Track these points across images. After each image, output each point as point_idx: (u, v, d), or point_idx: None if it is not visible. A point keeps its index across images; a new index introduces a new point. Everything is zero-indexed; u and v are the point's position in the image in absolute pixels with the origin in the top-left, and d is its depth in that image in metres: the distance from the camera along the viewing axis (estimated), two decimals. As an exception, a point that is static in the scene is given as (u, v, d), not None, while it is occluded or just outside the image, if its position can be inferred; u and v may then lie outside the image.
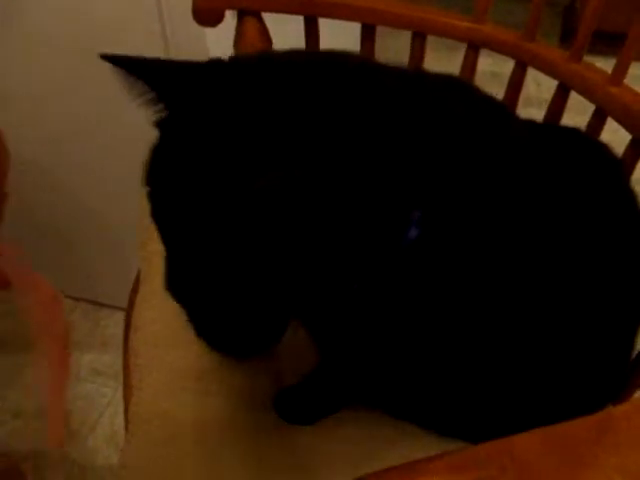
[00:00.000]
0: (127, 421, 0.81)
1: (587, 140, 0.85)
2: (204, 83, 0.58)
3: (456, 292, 0.61)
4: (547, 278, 0.64)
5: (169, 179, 0.55)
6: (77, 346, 1.69)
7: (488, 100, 0.72)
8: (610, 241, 0.70)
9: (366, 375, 0.73)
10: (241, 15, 0.97)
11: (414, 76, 0.67)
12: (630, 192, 0.76)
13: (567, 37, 2.54)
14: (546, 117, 0.96)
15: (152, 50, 1.21)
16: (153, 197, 0.57)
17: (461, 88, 0.72)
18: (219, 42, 1.10)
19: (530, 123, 0.84)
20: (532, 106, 2.05)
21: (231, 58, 0.62)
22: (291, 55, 0.62)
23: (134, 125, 1.31)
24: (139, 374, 0.84)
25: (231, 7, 0.97)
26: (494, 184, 0.62)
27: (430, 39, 0.99)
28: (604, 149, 0.81)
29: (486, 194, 0.61)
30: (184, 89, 0.57)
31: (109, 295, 1.72)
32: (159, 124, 0.59)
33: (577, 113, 0.94)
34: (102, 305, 1.76)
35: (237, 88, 0.56)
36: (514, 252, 0.62)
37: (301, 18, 1.00)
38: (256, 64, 0.59)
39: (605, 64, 0.88)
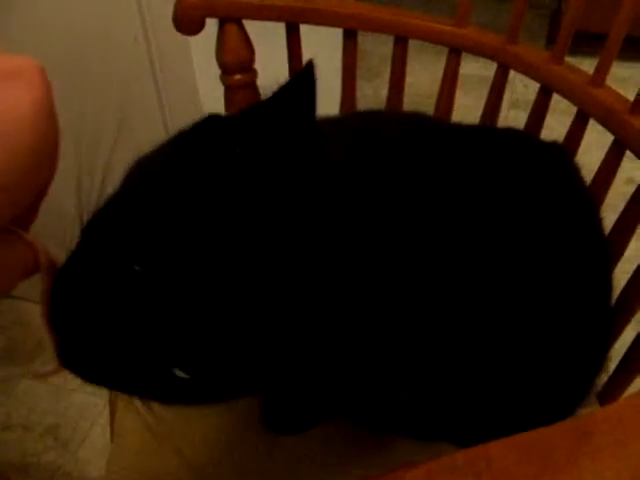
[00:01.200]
0: (112, 432, 0.81)
1: (532, 140, 0.87)
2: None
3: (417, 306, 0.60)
4: (512, 282, 0.64)
5: None
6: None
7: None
8: (568, 244, 0.71)
9: (346, 387, 0.72)
10: (222, 23, 0.97)
11: None
12: (580, 182, 0.78)
13: (554, 40, 2.55)
14: (529, 119, 0.95)
15: (136, 59, 1.21)
16: None
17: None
18: (203, 48, 1.09)
19: (474, 129, 0.86)
20: (519, 108, 2.05)
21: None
22: None
23: (114, 126, 1.34)
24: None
25: (211, 15, 0.96)
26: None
27: (415, 43, 0.99)
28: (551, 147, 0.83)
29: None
30: None
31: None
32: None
33: (562, 114, 0.94)
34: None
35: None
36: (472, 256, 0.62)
37: (282, 25, 1.00)
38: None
39: (591, 64, 0.89)
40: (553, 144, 0.83)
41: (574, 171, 0.81)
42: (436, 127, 0.82)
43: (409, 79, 1.04)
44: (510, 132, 0.85)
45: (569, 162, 0.83)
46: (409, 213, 0.60)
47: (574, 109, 0.90)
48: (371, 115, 0.81)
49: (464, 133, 0.82)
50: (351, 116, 0.75)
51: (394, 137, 0.70)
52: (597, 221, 0.77)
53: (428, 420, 0.74)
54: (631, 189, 0.82)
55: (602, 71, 0.86)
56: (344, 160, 0.61)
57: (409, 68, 1.02)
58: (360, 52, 1.03)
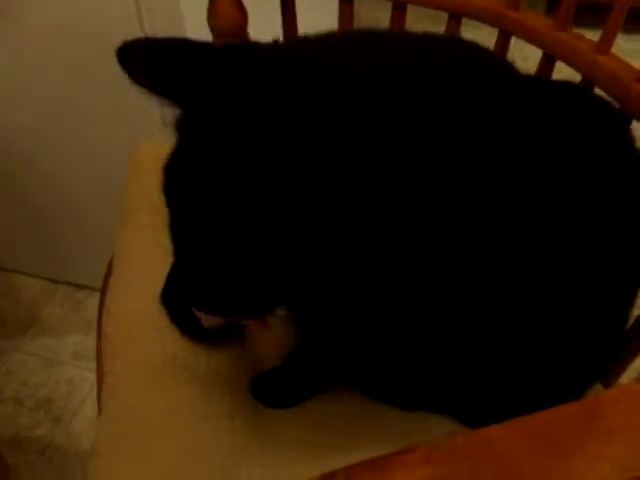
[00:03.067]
0: (100, 407, 0.79)
1: (591, 98, 0.80)
2: (219, 79, 0.55)
3: (438, 266, 0.59)
4: (537, 253, 0.62)
5: (185, 177, 0.54)
6: (58, 329, 1.66)
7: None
8: (612, 206, 0.66)
9: (346, 355, 0.70)
10: (214, -16, 0.94)
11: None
12: (634, 150, 0.72)
13: (553, 7, 2.51)
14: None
15: (125, 21, 1.17)
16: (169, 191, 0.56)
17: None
18: (195, 11, 1.06)
19: (532, 80, 0.82)
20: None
21: (247, 47, 0.59)
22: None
23: (114, 114, 1.31)
24: (112, 360, 0.81)
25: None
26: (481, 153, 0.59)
27: (412, 9, 0.96)
28: (609, 107, 0.77)
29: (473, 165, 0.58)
30: (197, 88, 0.54)
31: (89, 277, 1.69)
32: (177, 127, 0.56)
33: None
34: (82, 287, 1.74)
35: (253, 85, 0.53)
36: (500, 223, 0.60)
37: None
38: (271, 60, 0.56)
39: (593, 36, 0.86)
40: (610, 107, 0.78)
41: (628, 139, 0.74)
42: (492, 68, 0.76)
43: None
44: (568, 87, 0.81)
45: (624, 127, 0.78)
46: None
47: (578, 77, 0.87)
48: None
49: (521, 85, 0.77)
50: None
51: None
52: None
53: (435, 392, 0.72)
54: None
55: (607, 39, 0.84)
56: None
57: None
58: (355, 17, 1.00)
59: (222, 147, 0.52)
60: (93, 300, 1.70)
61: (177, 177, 0.55)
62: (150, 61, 0.56)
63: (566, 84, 0.78)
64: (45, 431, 1.48)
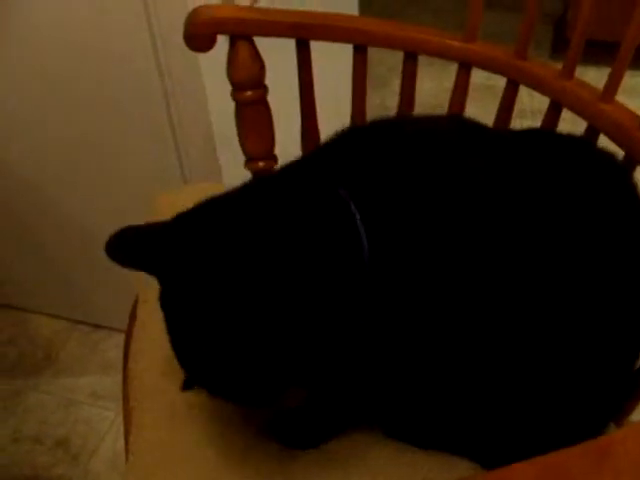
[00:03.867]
0: (127, 449, 0.81)
1: (594, 150, 0.83)
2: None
3: (448, 312, 0.62)
4: (548, 296, 0.65)
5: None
6: (75, 369, 1.69)
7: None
8: (617, 255, 0.69)
9: (363, 400, 0.73)
10: (233, 40, 0.98)
11: None
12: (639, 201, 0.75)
13: (559, 48, 2.55)
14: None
15: (146, 78, 1.22)
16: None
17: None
18: (212, 65, 1.10)
19: (534, 132, 0.85)
20: (526, 118, 2.06)
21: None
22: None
23: (135, 161, 1.35)
24: (139, 402, 0.84)
25: (222, 32, 0.97)
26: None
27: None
28: (612, 160, 0.79)
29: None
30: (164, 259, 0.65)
31: (106, 317, 1.72)
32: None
33: (573, 124, 0.94)
34: (99, 327, 1.76)
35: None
36: (511, 278, 0.63)
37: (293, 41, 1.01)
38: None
39: (598, 72, 0.88)
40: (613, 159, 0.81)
41: (630, 187, 0.77)
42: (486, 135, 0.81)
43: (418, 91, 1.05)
44: (571, 140, 0.84)
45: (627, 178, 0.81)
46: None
47: (584, 122, 0.90)
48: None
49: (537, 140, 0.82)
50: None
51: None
52: None
53: (452, 433, 0.74)
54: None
55: (612, 86, 0.86)
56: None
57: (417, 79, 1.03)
58: (367, 61, 1.04)
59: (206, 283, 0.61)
60: (111, 340, 1.73)
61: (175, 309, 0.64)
62: (129, 248, 0.69)
63: (568, 137, 0.82)
64: (63, 470, 1.49)
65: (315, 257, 0.60)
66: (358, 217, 0.62)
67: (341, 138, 0.75)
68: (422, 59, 1.00)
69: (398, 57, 1.01)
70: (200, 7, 0.99)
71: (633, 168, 0.84)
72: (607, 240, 0.68)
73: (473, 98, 1.04)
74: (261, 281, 0.58)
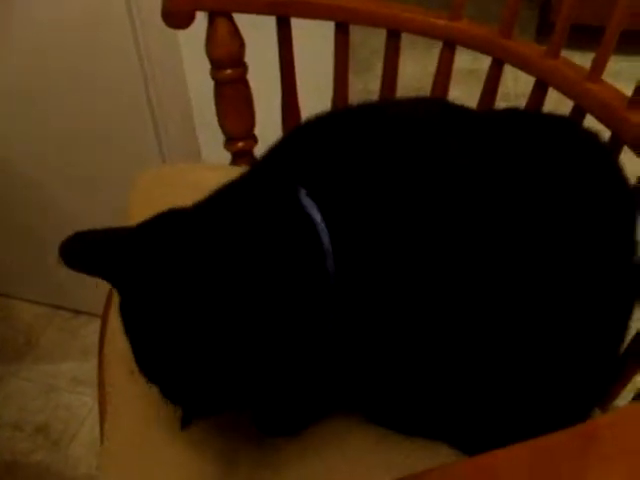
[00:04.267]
0: (102, 434, 0.79)
1: (578, 129, 0.81)
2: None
3: (441, 310, 0.61)
4: (531, 282, 0.63)
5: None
6: (56, 355, 1.67)
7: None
8: (602, 239, 0.68)
9: (342, 387, 0.71)
10: (212, 16, 0.96)
11: None
12: (623, 182, 0.73)
13: (544, 31, 2.54)
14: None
15: (125, 57, 1.19)
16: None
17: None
18: (191, 42, 1.08)
19: (517, 113, 0.83)
20: (509, 101, 2.04)
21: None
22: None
23: (114, 143, 1.33)
24: (114, 387, 0.82)
25: (201, 8, 0.95)
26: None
27: (407, 36, 0.98)
28: (596, 139, 0.77)
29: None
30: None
31: (87, 302, 1.70)
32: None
33: (557, 107, 0.92)
34: (80, 313, 1.74)
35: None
36: (495, 262, 0.62)
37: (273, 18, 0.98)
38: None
39: (582, 58, 0.87)
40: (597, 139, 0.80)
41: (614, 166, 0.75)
42: (468, 115, 0.79)
43: (399, 71, 1.03)
44: (555, 120, 0.82)
45: (609, 155, 0.78)
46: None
47: (570, 102, 0.89)
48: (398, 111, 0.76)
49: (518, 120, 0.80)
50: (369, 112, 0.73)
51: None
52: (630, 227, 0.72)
53: (435, 419, 0.72)
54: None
55: (598, 66, 0.85)
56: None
57: (399, 61, 1.01)
58: (350, 44, 1.02)
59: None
60: (91, 326, 1.71)
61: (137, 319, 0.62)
62: (85, 253, 0.66)
63: (551, 117, 0.80)
64: (43, 456, 1.48)
65: (273, 268, 0.58)
66: (321, 221, 0.60)
67: (306, 128, 0.72)
68: (405, 42, 0.98)
69: (381, 40, 0.99)
70: (178, -17, 0.96)
71: (619, 148, 0.83)
72: (592, 222, 0.67)
73: (457, 82, 1.02)
74: (219, 293, 0.57)
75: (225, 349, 0.57)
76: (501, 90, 0.98)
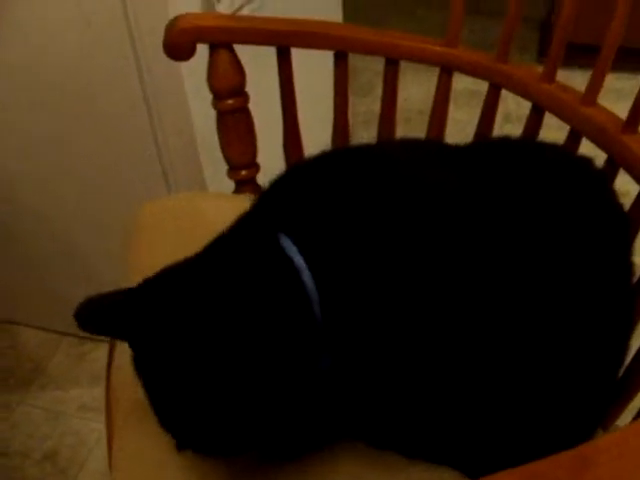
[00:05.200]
0: (111, 464, 0.80)
1: (569, 156, 0.83)
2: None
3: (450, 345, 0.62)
4: (529, 308, 0.64)
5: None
6: (63, 382, 1.68)
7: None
8: (598, 263, 0.69)
9: (348, 415, 0.72)
10: (212, 48, 0.97)
11: None
12: (617, 207, 0.75)
13: (545, 52, 2.55)
14: (523, 136, 0.95)
15: (129, 90, 1.21)
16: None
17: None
18: (195, 73, 1.10)
19: (507, 142, 0.84)
20: (511, 122, 2.06)
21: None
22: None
23: (119, 172, 1.34)
24: (122, 413, 0.83)
25: (202, 41, 0.96)
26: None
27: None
28: (587, 164, 0.79)
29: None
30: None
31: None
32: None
33: (557, 130, 0.94)
34: (87, 339, 1.75)
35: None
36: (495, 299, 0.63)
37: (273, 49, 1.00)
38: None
39: (584, 76, 0.88)
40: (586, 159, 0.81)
41: (607, 191, 0.77)
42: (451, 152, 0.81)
43: (402, 94, 1.04)
44: (550, 147, 0.83)
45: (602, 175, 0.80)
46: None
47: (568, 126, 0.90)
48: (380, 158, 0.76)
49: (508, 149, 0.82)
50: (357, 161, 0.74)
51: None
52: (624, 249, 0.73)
53: (437, 442, 0.73)
54: (627, 202, 0.81)
55: (593, 89, 0.87)
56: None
57: (402, 83, 1.03)
58: (352, 68, 1.04)
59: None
60: (98, 352, 1.71)
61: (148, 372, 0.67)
62: (98, 317, 0.69)
63: (544, 145, 0.82)
64: (52, 484, 1.49)
65: (261, 319, 0.60)
66: (305, 268, 0.62)
67: (294, 173, 0.74)
68: (409, 65, 1.00)
69: (383, 63, 1.01)
70: (179, 16, 0.98)
71: (616, 171, 0.84)
72: (587, 248, 0.68)
73: (460, 104, 1.04)
74: (213, 346, 0.60)
75: (224, 396, 0.60)
76: (503, 111, 0.99)
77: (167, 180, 1.33)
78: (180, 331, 0.62)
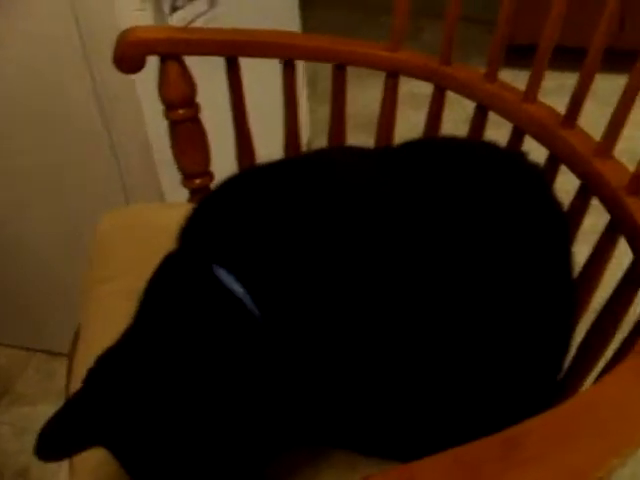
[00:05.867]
0: (71, 473, 0.81)
1: (500, 151, 0.83)
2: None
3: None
4: (463, 312, 0.65)
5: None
6: (33, 398, 1.67)
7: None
8: (534, 252, 0.70)
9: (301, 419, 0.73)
10: (163, 60, 0.98)
11: None
12: (552, 198, 0.76)
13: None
14: (469, 136, 0.98)
15: (84, 102, 1.22)
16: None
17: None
18: (147, 84, 1.11)
19: (435, 140, 0.86)
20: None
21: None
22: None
23: (79, 184, 1.35)
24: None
25: (151, 53, 0.98)
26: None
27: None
28: (520, 158, 0.79)
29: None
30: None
31: (63, 344, 1.70)
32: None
33: (499, 127, 0.95)
34: (56, 355, 1.74)
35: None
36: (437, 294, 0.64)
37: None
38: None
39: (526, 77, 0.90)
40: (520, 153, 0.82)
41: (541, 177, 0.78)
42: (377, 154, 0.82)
43: (362, 100, 1.06)
44: (475, 144, 0.86)
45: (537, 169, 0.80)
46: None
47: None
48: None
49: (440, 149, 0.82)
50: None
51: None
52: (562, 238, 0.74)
53: (385, 433, 0.74)
54: (566, 199, 0.83)
55: (534, 86, 0.89)
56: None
57: (361, 89, 1.04)
58: (312, 75, 1.05)
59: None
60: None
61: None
62: (59, 441, 0.66)
63: (472, 143, 0.83)
64: (25, 501, 1.48)
65: (223, 362, 0.60)
66: (245, 293, 0.61)
67: (213, 198, 0.72)
68: (369, 72, 1.01)
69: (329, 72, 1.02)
70: (128, 29, 0.99)
71: (557, 166, 0.86)
72: (519, 237, 0.69)
73: (419, 106, 1.05)
74: (186, 402, 0.59)
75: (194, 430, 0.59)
76: (463, 113, 1.00)
77: (126, 192, 1.33)
78: (148, 407, 0.60)
